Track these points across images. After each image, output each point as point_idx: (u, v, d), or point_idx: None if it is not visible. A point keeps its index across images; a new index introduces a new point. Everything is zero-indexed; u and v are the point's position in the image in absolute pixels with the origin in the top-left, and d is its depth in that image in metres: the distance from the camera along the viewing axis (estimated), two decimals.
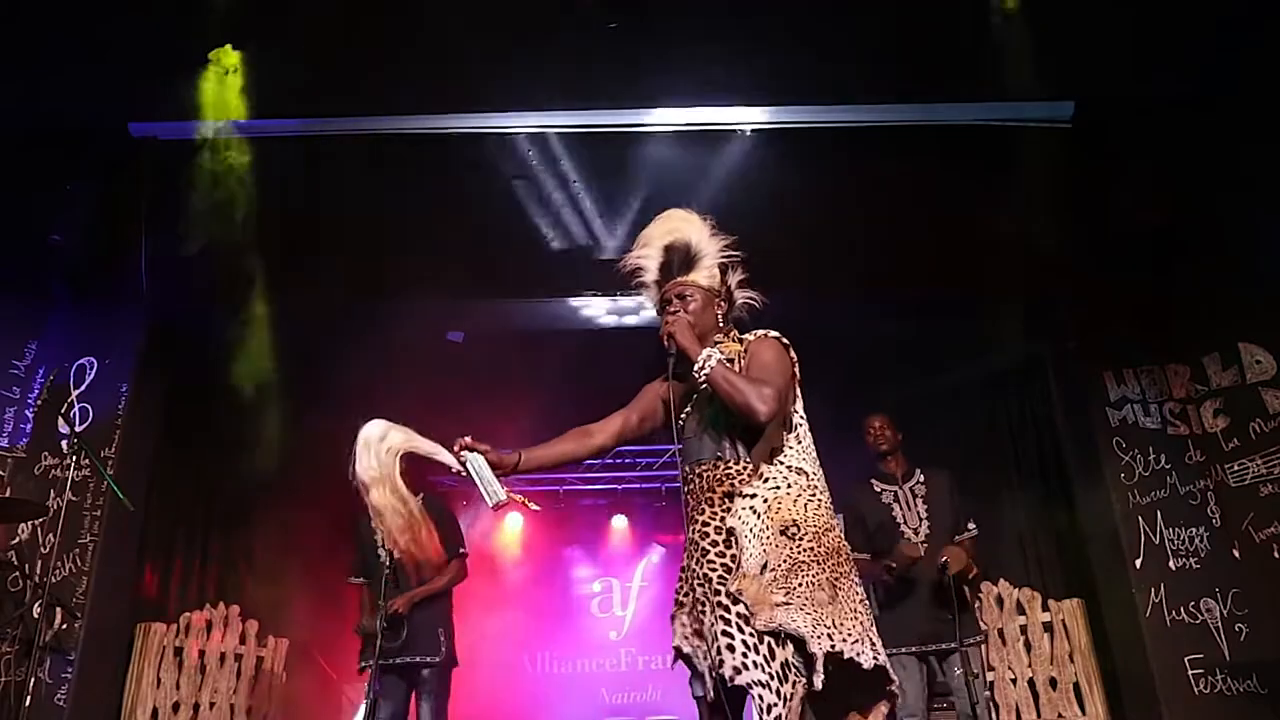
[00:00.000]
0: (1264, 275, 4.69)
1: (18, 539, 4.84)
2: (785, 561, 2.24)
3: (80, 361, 5.21)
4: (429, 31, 4.35)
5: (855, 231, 5.12)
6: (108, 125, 4.90)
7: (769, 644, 2.16)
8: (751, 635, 2.16)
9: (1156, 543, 4.86)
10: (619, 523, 8.04)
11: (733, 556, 2.29)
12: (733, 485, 2.37)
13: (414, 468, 4.44)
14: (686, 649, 2.34)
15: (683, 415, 2.56)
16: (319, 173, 5.05)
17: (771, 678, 2.12)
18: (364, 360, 5.83)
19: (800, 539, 2.28)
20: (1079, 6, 4.27)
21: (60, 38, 4.28)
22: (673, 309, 2.55)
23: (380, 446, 2.58)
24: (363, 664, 4.21)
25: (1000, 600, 5.38)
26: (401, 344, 5.84)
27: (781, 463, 2.40)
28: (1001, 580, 5.44)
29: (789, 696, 2.12)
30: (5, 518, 4.68)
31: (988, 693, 4.86)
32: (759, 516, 2.31)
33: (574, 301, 5.58)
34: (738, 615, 2.19)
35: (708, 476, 2.42)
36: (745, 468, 2.39)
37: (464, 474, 2.47)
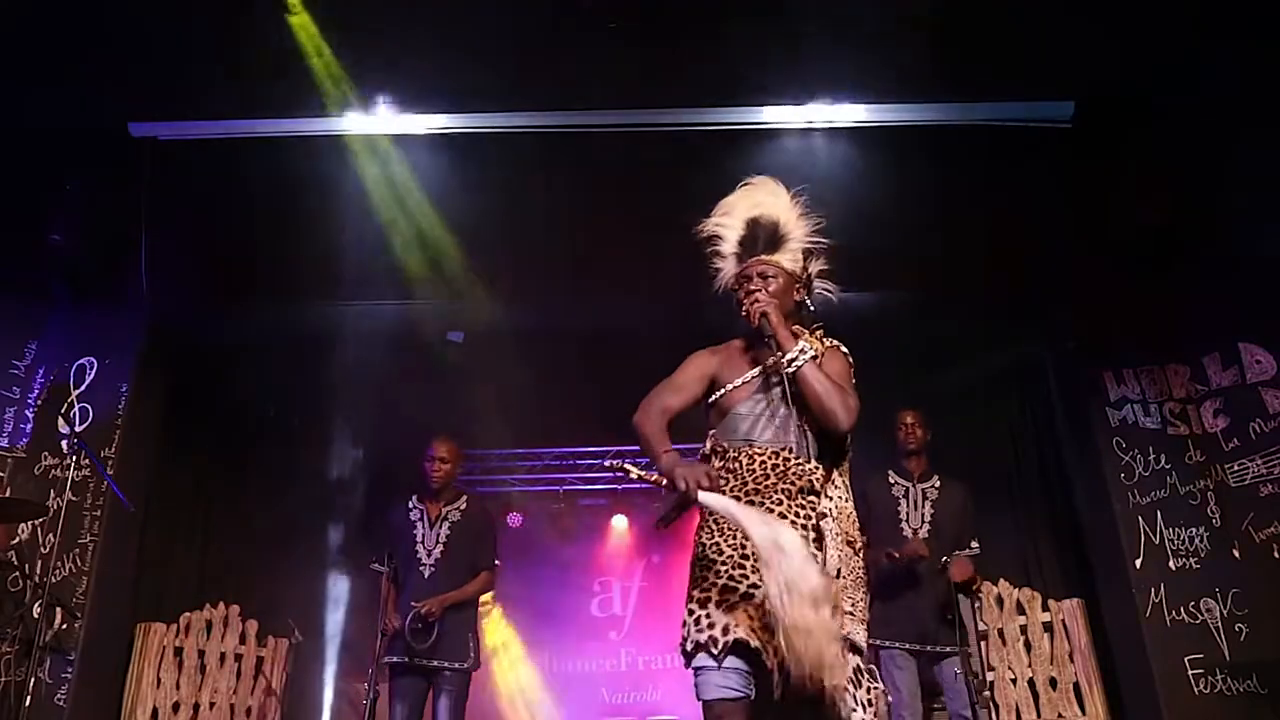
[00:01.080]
0: (1264, 275, 4.69)
1: (18, 539, 4.84)
2: (852, 573, 2.25)
3: (80, 361, 5.21)
4: (435, 29, 4.36)
5: (854, 232, 5.09)
6: (108, 125, 4.90)
7: (844, 650, 2.12)
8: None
9: (1156, 543, 4.86)
10: (619, 523, 8.03)
11: (811, 554, 2.16)
12: (812, 482, 2.30)
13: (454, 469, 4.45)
14: (754, 643, 2.13)
15: (734, 386, 2.45)
16: (322, 172, 5.06)
17: (849, 681, 2.10)
18: (365, 360, 5.83)
19: (858, 555, 2.31)
20: (1079, 6, 4.27)
21: (60, 38, 4.28)
22: (753, 286, 2.47)
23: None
24: (387, 659, 4.17)
25: (1000, 600, 5.38)
26: (402, 344, 5.84)
27: (840, 475, 2.39)
28: (1001, 580, 5.44)
29: (866, 703, 2.11)
30: (5, 518, 4.68)
31: (987, 693, 4.87)
32: (834, 521, 2.28)
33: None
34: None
35: (770, 465, 2.32)
36: (818, 468, 2.32)
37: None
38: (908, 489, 4.40)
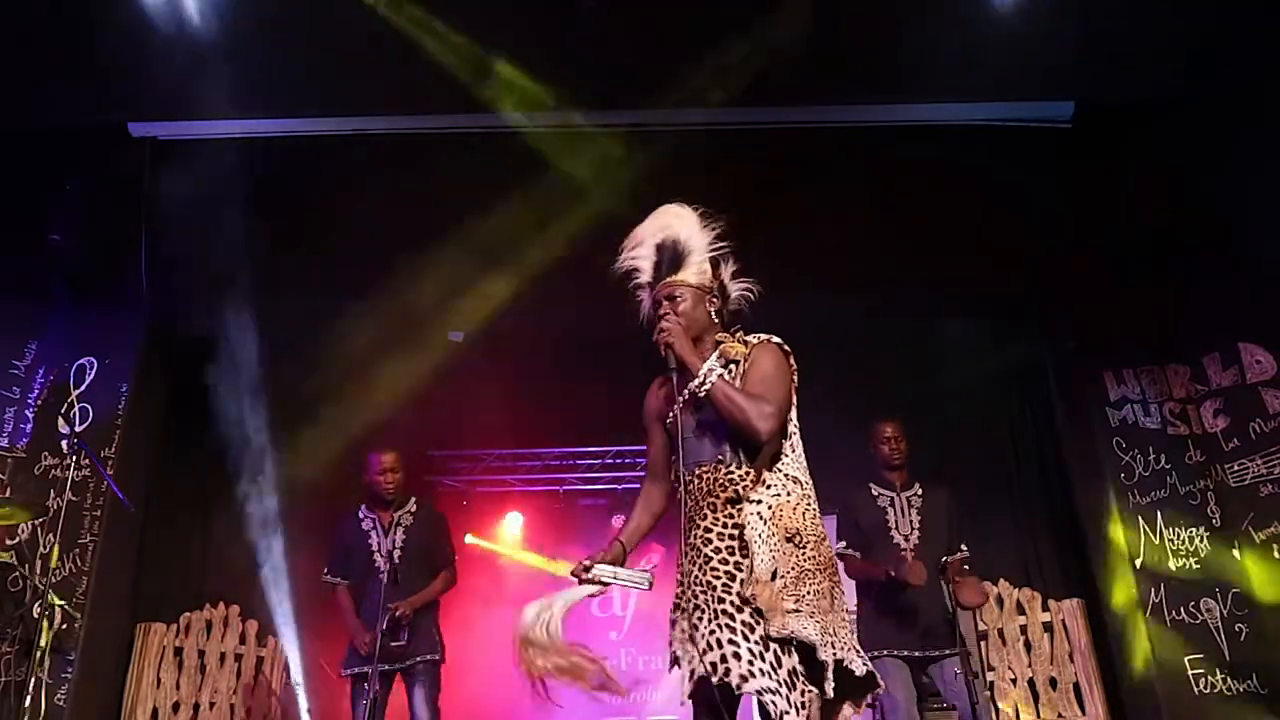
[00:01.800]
0: (1264, 275, 4.69)
1: (18, 539, 4.84)
2: (793, 569, 2.25)
3: (80, 361, 5.21)
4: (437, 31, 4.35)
5: (855, 231, 5.12)
6: (108, 125, 4.90)
7: (775, 652, 2.16)
8: (757, 644, 2.15)
9: (1156, 543, 4.86)
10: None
11: (736, 564, 2.27)
12: (737, 491, 2.35)
13: (411, 471, 4.50)
14: (679, 653, 2.34)
15: (673, 415, 2.49)
16: (323, 172, 5.06)
17: (780, 684, 2.12)
18: (365, 359, 5.83)
19: (804, 547, 2.29)
20: (1079, 6, 4.27)
21: (60, 37, 4.28)
22: (662, 312, 2.49)
23: (546, 634, 2.44)
24: (353, 669, 4.19)
25: (1000, 600, 5.38)
26: (403, 344, 5.84)
27: (780, 470, 2.39)
28: (1001, 580, 5.44)
29: (800, 705, 2.12)
30: (5, 517, 4.68)
31: (987, 693, 4.87)
32: (765, 523, 2.29)
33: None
34: (743, 623, 2.18)
35: (708, 479, 2.39)
36: (748, 473, 2.37)
37: (605, 589, 2.49)
38: (893, 499, 4.38)
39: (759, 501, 2.32)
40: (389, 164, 5.09)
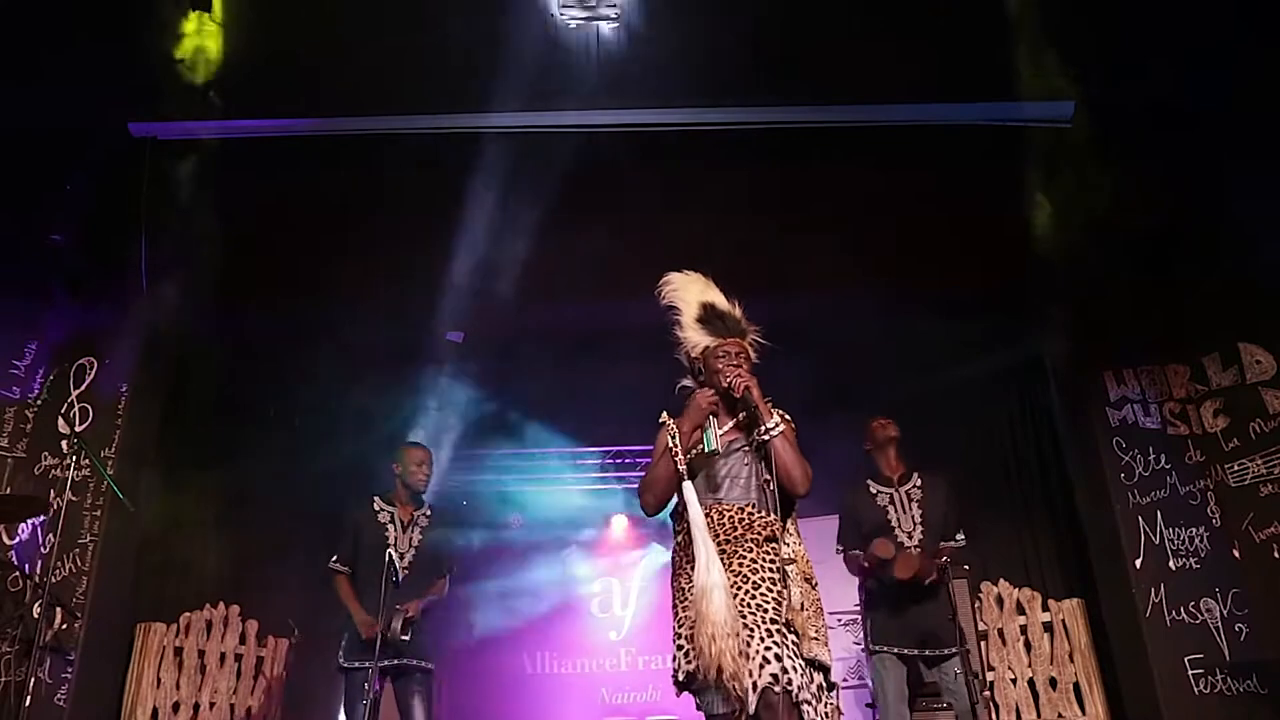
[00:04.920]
0: (1264, 275, 4.69)
1: (18, 539, 4.84)
2: (814, 605, 2.70)
3: (80, 361, 5.21)
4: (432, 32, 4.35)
5: (856, 231, 5.12)
6: (108, 125, 4.90)
7: (809, 670, 2.58)
8: (800, 660, 2.56)
9: (1156, 543, 4.86)
10: (619, 523, 8.04)
11: (780, 593, 2.62)
12: (772, 531, 2.70)
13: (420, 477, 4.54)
14: (734, 669, 2.56)
15: (695, 449, 2.80)
16: (323, 172, 5.06)
17: (813, 696, 2.54)
18: (365, 360, 5.84)
19: (816, 589, 2.75)
20: (1079, 6, 4.27)
21: (60, 37, 4.28)
22: (734, 361, 2.87)
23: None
24: (353, 663, 4.18)
25: (1000, 600, 5.38)
26: (402, 344, 5.85)
27: (792, 524, 2.82)
28: (1001, 580, 5.44)
29: (825, 715, 2.54)
30: (5, 517, 4.68)
31: (987, 693, 4.87)
32: (794, 565, 2.69)
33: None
34: (792, 642, 2.57)
35: (737, 519, 2.72)
36: (776, 519, 2.70)
37: None
38: (892, 495, 4.38)
39: (789, 545, 2.71)
40: (391, 165, 5.09)
